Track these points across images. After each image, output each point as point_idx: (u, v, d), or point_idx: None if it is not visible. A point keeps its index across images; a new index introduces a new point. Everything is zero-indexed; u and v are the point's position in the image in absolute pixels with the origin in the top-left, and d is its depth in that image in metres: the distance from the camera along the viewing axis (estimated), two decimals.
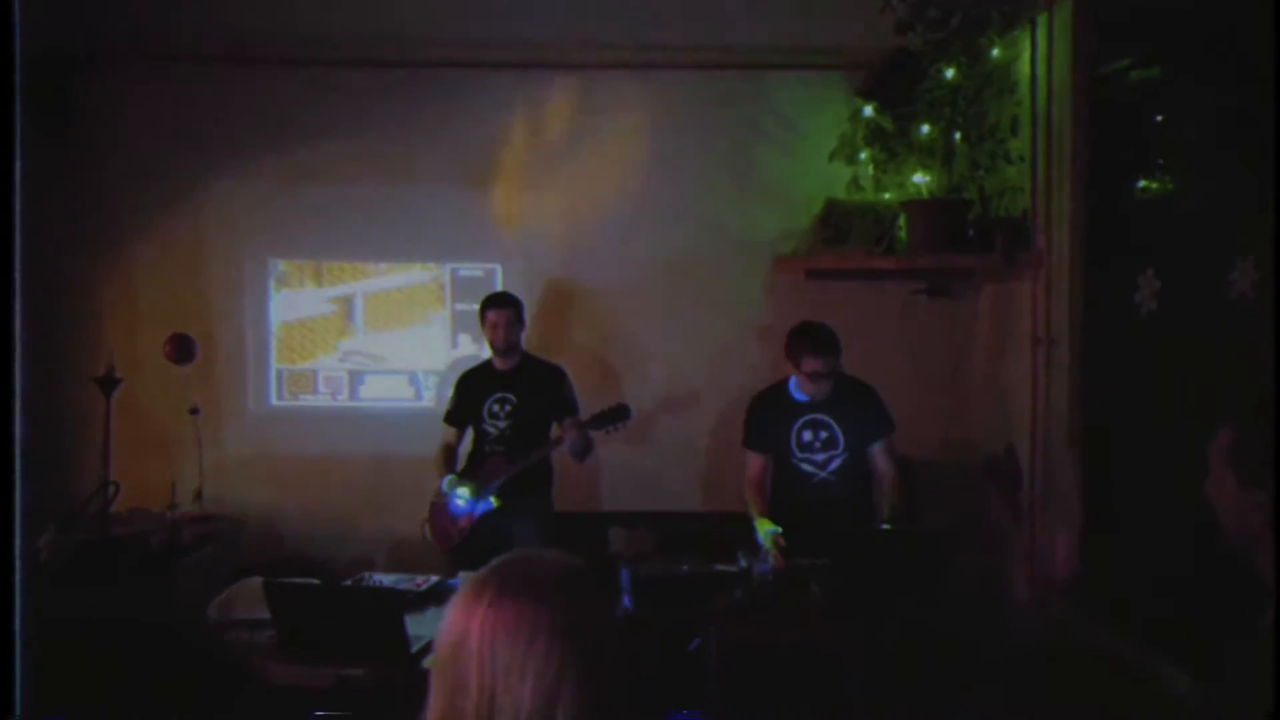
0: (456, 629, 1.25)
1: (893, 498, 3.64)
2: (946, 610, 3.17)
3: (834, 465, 3.71)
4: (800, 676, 3.04)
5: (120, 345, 4.28)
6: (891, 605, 3.05)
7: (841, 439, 3.69)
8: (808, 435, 3.71)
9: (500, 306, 4.07)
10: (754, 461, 3.80)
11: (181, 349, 4.31)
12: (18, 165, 1.84)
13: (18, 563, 1.80)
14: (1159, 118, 3.19)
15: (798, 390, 3.70)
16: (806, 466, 3.72)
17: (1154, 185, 3.24)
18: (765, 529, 3.53)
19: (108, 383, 4.08)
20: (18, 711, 1.74)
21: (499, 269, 4.74)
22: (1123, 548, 3.26)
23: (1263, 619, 1.47)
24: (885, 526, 3.49)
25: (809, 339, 3.62)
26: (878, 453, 3.72)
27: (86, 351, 4.32)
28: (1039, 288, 3.81)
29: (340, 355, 4.80)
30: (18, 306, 1.85)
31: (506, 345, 4.07)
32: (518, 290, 4.28)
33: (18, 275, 1.83)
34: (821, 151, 4.46)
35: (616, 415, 3.89)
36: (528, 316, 4.18)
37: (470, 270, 4.77)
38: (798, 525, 3.53)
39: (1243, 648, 1.49)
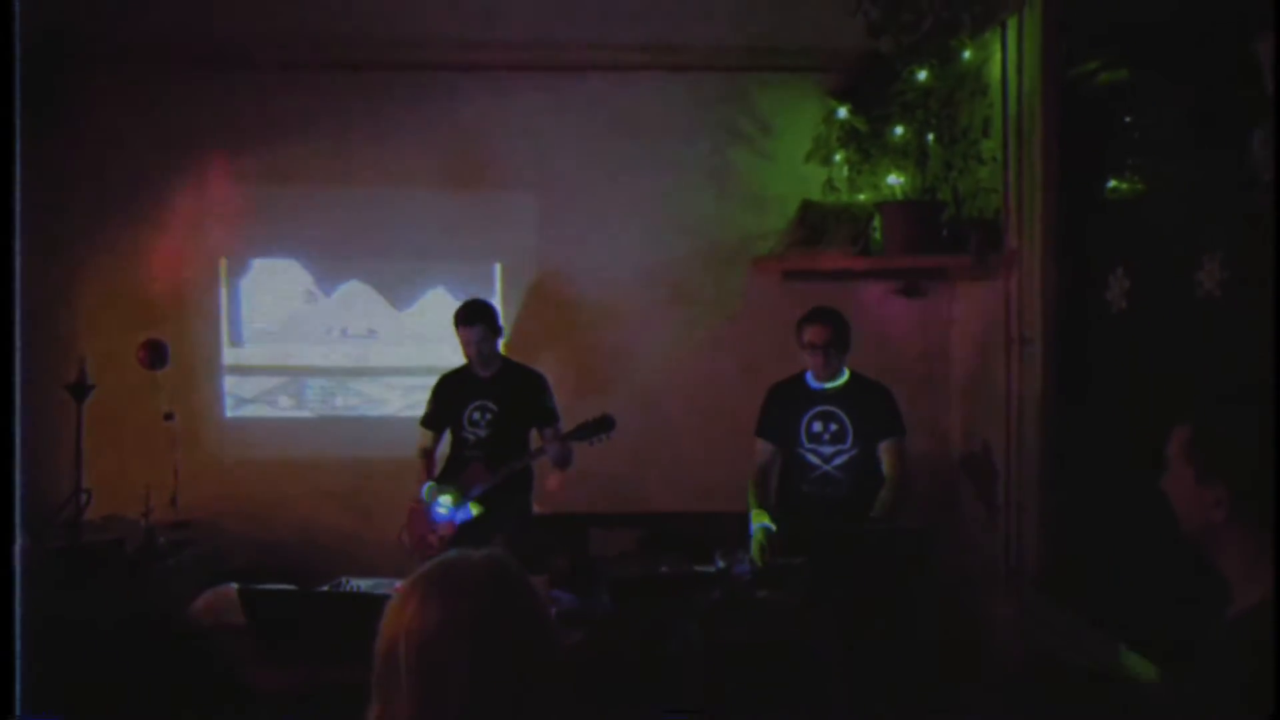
0: (385, 637, 1.27)
1: (884, 497, 3.62)
2: (924, 607, 3.19)
3: (840, 460, 3.71)
4: (780, 676, 3.05)
5: (92, 350, 4.23)
6: (869, 603, 3.06)
7: (851, 433, 3.71)
8: (818, 426, 3.73)
9: (468, 325, 3.97)
10: (759, 450, 3.83)
11: (155, 354, 4.27)
12: (17, 167, 1.81)
13: (17, 561, 1.78)
14: (1128, 119, 3.23)
15: (813, 379, 3.75)
16: (812, 458, 3.73)
17: (1124, 186, 3.28)
18: (757, 523, 3.55)
19: (80, 389, 4.03)
20: (18, 711, 1.72)
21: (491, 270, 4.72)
22: (1095, 542, 3.30)
23: (1224, 611, 1.49)
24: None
25: (810, 311, 3.76)
26: (883, 451, 3.71)
27: (57, 357, 4.26)
28: (1012, 287, 3.84)
29: (319, 356, 4.78)
30: (17, 308, 1.83)
31: (481, 359, 4.03)
32: (495, 294, 4.23)
33: (17, 276, 1.80)
34: (797, 153, 4.48)
35: (600, 426, 3.79)
36: (508, 319, 4.13)
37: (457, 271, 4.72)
38: (793, 518, 3.55)
39: (1207, 640, 1.51)
